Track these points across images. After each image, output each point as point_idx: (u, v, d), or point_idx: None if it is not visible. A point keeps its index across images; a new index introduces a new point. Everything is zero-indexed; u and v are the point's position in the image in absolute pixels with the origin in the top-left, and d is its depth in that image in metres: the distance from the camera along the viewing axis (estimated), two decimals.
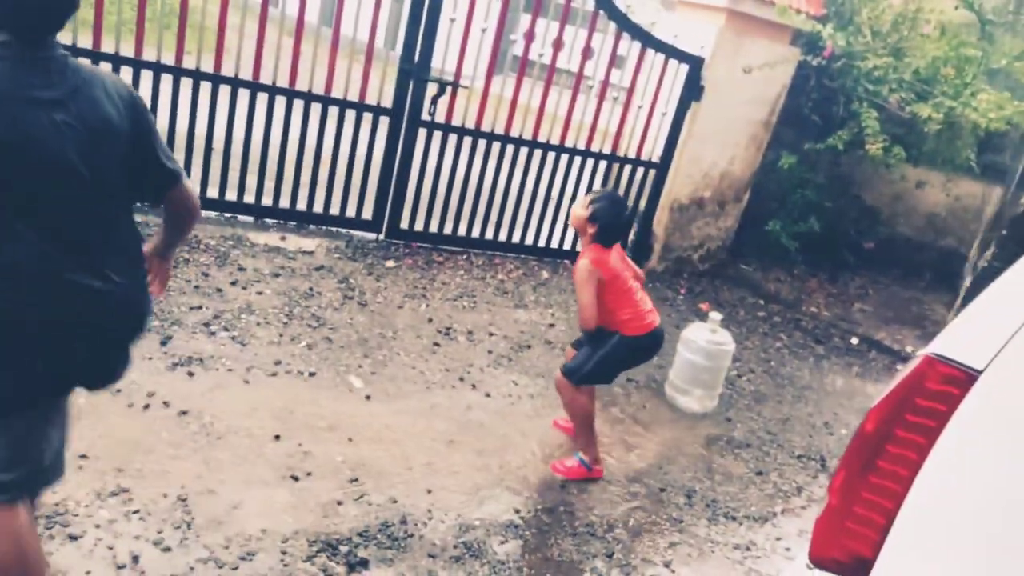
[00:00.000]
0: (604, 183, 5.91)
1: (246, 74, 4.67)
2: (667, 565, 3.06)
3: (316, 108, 4.87)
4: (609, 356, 3.32)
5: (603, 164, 5.79)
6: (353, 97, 4.92)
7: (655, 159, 5.82)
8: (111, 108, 1.80)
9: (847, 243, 6.61)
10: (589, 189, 5.75)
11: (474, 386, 3.91)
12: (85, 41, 4.34)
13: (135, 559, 2.40)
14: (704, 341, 4.14)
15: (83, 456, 2.73)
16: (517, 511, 3.11)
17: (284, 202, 5.04)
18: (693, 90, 5.63)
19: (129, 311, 1.93)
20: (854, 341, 5.82)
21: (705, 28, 5.60)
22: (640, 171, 5.83)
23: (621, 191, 5.84)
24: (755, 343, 5.37)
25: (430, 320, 4.43)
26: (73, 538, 2.42)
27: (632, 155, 5.78)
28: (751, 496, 3.67)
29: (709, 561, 3.15)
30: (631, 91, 5.63)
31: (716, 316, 4.19)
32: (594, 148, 5.64)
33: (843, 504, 1.55)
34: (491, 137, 5.31)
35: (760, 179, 6.16)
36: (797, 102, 6.04)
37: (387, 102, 4.94)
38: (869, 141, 5.58)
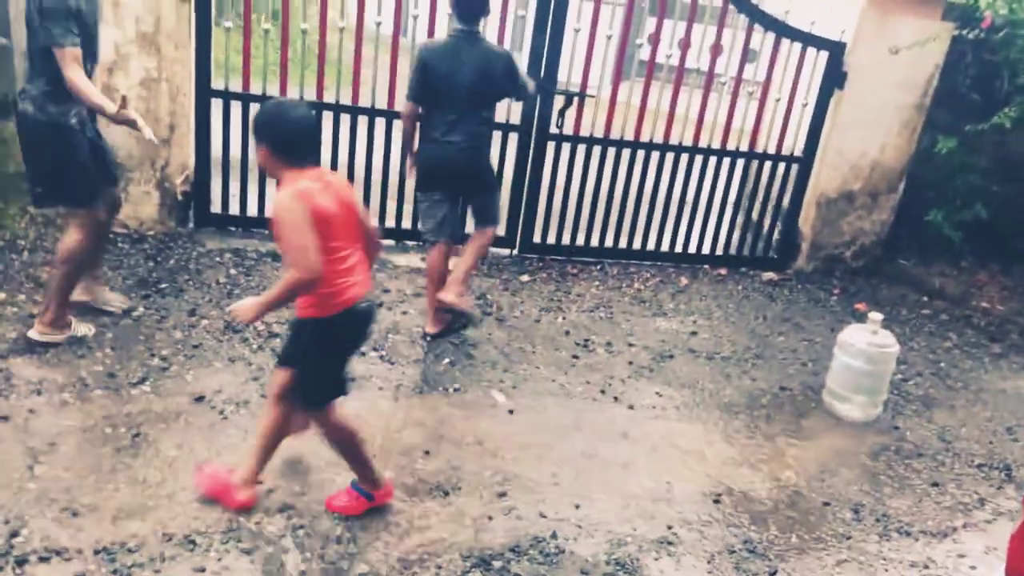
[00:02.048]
0: (743, 181, 5.68)
1: (382, 103, 4.86)
2: None
3: None
4: (313, 356, 2.56)
5: (740, 162, 5.57)
6: None
7: (797, 153, 5.53)
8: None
9: (1020, 230, 5.99)
10: (727, 189, 5.55)
11: (616, 398, 3.84)
12: (236, 85, 4.67)
13: (302, 574, 2.51)
14: (865, 344, 3.86)
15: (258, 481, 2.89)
16: (670, 527, 3.01)
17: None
18: (835, 78, 5.32)
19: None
20: None
21: (845, 11, 5.28)
22: (781, 167, 5.56)
23: (762, 188, 5.60)
24: (921, 344, 4.97)
25: (567, 333, 4.40)
26: (246, 552, 2.56)
27: (772, 151, 5.52)
28: (927, 509, 3.37)
29: None
30: (767, 84, 5.39)
31: (876, 316, 3.90)
32: (730, 146, 5.44)
33: None
34: (620, 144, 5.24)
35: (915, 167, 5.71)
36: (953, 81, 5.56)
37: (515, 119, 4.97)
38: None
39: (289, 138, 2.42)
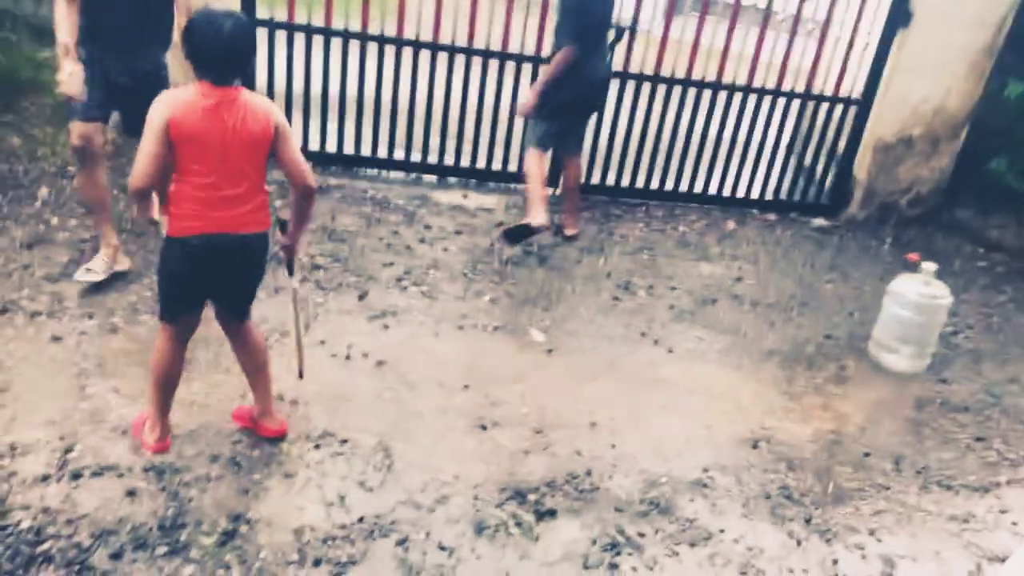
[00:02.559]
0: (797, 124, 5.49)
1: (426, 35, 4.77)
2: (872, 533, 2.84)
3: (494, 65, 4.89)
4: (162, 269, 2.45)
5: (795, 104, 5.37)
6: (529, 52, 4.88)
7: (856, 95, 5.31)
8: None
9: None
10: (780, 132, 5.37)
11: (656, 341, 3.81)
12: (281, 15, 4.61)
13: (342, 498, 2.58)
14: (916, 295, 3.75)
15: (294, 402, 2.96)
16: (706, 470, 3.01)
17: (465, 161, 5.13)
18: (900, 16, 5.05)
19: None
20: None
21: None
22: (838, 109, 5.35)
23: (816, 131, 5.40)
24: (974, 297, 4.81)
25: (609, 275, 4.36)
26: (288, 476, 2.63)
27: (829, 92, 5.31)
28: (970, 464, 3.31)
29: (920, 532, 2.89)
30: (827, 22, 5.15)
31: (930, 267, 3.78)
32: (785, 87, 5.24)
33: None
34: (670, 82, 5.08)
35: (981, 112, 5.45)
36: None
37: None
38: None
39: (194, 51, 2.27)
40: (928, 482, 3.16)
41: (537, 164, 4.41)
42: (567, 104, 4.32)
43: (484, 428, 3.02)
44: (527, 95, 4.39)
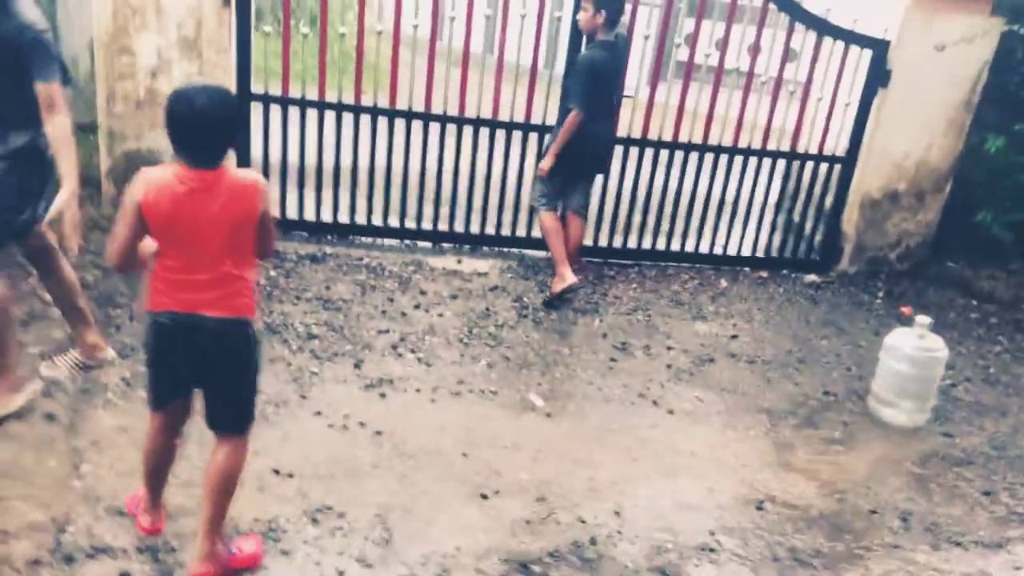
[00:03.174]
0: (784, 182, 5.58)
1: (419, 106, 4.87)
2: None
3: (484, 133, 4.98)
4: (144, 346, 2.36)
5: (781, 163, 5.48)
6: (519, 119, 4.99)
7: (840, 153, 5.42)
8: None
9: None
10: (767, 190, 5.47)
11: (655, 402, 3.79)
12: (275, 88, 4.71)
13: (340, 574, 2.51)
14: (911, 348, 3.76)
15: (290, 475, 2.91)
16: (712, 533, 2.95)
17: (459, 226, 5.18)
18: (879, 76, 5.20)
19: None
20: None
21: (888, 8, 5.16)
22: (823, 167, 5.46)
23: (803, 189, 5.50)
24: (970, 348, 4.82)
25: (605, 335, 4.36)
26: (285, 553, 2.57)
27: (813, 151, 5.42)
28: (979, 520, 3.27)
29: None
30: (808, 84, 5.30)
31: (924, 320, 3.80)
32: (770, 147, 5.36)
33: None
34: (658, 145, 5.18)
35: (963, 166, 5.56)
36: (1002, 79, 5.40)
37: (551, 120, 4.95)
38: None
39: (169, 130, 2.10)
40: (939, 539, 3.11)
41: (552, 222, 4.56)
42: (567, 162, 4.46)
43: (485, 497, 2.97)
44: (544, 161, 4.51)
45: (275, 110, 4.74)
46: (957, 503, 3.35)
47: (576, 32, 4.72)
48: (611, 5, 4.26)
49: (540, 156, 4.73)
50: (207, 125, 2.09)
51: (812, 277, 5.55)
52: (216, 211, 2.14)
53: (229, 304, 2.23)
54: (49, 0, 5.82)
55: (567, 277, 4.46)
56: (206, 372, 2.30)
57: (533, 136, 5.00)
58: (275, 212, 2.30)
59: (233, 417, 2.36)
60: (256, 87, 4.71)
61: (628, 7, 4.68)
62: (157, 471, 2.48)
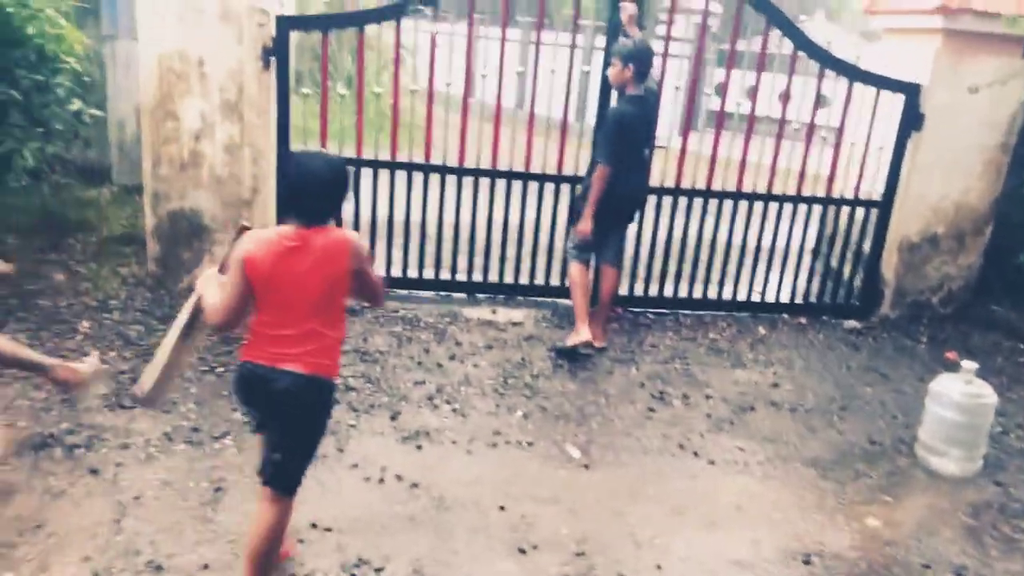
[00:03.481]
0: (820, 227, 5.54)
1: (453, 161, 4.97)
2: None
3: (517, 185, 5.05)
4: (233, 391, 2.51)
5: (817, 208, 5.45)
6: (551, 171, 5.05)
7: (876, 197, 5.38)
8: None
9: None
10: (803, 236, 5.43)
11: (696, 453, 3.72)
12: (313, 147, 4.84)
13: None
14: (959, 394, 3.65)
15: (328, 529, 2.90)
16: None
17: (493, 277, 5.22)
18: (912, 120, 5.18)
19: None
20: None
21: (918, 53, 5.17)
22: (860, 211, 5.41)
23: (840, 234, 5.45)
24: (1020, 394, 4.67)
25: (642, 385, 4.32)
26: None
27: (848, 195, 5.39)
28: None
29: None
30: (841, 129, 5.29)
31: (970, 365, 3.70)
32: (805, 192, 5.34)
33: None
34: (692, 193, 5.20)
35: (1004, 207, 5.47)
36: None
37: (582, 171, 5.00)
38: None
39: (286, 191, 2.37)
40: None
41: (580, 275, 4.54)
42: (600, 215, 4.42)
43: (523, 551, 2.92)
44: (581, 224, 4.42)
45: None
46: (1015, 557, 3.20)
47: (606, 85, 4.79)
48: (639, 59, 4.31)
49: (572, 205, 4.77)
50: (320, 189, 2.29)
51: (852, 323, 5.45)
52: (308, 267, 2.27)
53: (311, 361, 2.32)
54: (99, 68, 6.10)
55: (582, 333, 4.43)
56: (275, 423, 2.39)
57: (565, 187, 5.05)
58: (372, 266, 2.45)
59: (286, 474, 2.41)
60: (295, 147, 4.86)
61: (657, 60, 4.76)
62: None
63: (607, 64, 4.55)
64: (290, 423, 2.37)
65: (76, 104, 4.95)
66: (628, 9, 4.51)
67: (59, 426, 3.36)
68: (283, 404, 2.33)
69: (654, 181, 5.10)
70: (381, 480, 3.24)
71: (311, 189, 2.29)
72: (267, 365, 2.31)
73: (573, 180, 5.02)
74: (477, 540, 2.95)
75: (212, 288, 2.36)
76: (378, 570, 2.73)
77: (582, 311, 4.50)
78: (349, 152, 4.86)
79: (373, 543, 2.86)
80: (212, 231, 4.72)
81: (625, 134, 4.34)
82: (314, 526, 2.88)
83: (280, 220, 2.28)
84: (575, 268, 4.58)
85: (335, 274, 2.31)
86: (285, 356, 2.30)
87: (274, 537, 2.40)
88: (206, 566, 2.65)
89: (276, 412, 2.36)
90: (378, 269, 5.10)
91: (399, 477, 3.26)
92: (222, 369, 3.95)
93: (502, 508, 3.15)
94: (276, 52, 4.57)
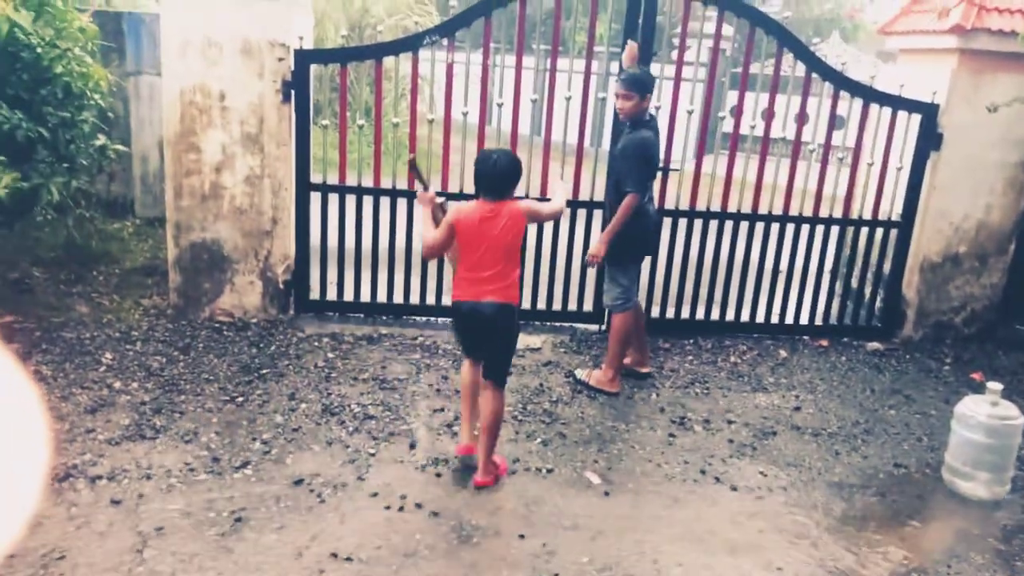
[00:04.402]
0: (839, 248, 5.51)
1: (469, 189, 4.99)
2: None
3: None
4: (452, 323, 3.54)
5: (835, 229, 5.42)
6: (569, 198, 5.07)
7: (895, 217, 5.35)
8: None
9: None
10: (822, 257, 5.39)
11: (718, 479, 3.68)
12: (333, 178, 4.91)
13: None
14: (985, 416, 3.59)
15: (348, 559, 2.89)
16: None
17: None
18: (930, 140, 5.16)
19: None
20: None
21: (935, 73, 5.16)
22: (879, 232, 5.38)
23: (860, 255, 5.41)
24: None
25: (662, 410, 4.29)
26: None
27: (867, 216, 5.36)
28: None
29: None
30: (858, 150, 5.28)
31: (995, 387, 3.64)
32: (822, 213, 5.31)
33: None
34: (707, 215, 5.20)
35: None
36: None
37: (598, 196, 5.02)
38: None
39: (475, 177, 3.30)
40: None
41: (626, 324, 4.40)
42: (639, 249, 4.40)
43: None
44: (596, 246, 4.30)
45: (333, 198, 4.92)
46: None
47: None
48: (652, 86, 4.32)
49: (589, 232, 4.75)
50: (503, 174, 3.26)
51: (875, 344, 5.40)
52: (499, 230, 3.25)
53: (502, 294, 3.30)
54: (123, 103, 6.24)
55: (609, 384, 4.41)
56: (484, 340, 3.38)
57: (581, 212, 5.07)
58: (540, 209, 3.55)
59: (498, 371, 3.41)
60: (315, 177, 4.92)
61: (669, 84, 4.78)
62: (470, 402, 3.49)
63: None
64: (495, 336, 3.35)
65: (101, 139, 5.07)
66: (632, 49, 4.54)
67: (82, 457, 3.39)
68: (489, 324, 3.30)
69: (670, 203, 5.11)
70: (401, 509, 3.23)
71: (497, 174, 3.23)
72: (473, 301, 3.30)
73: (590, 205, 5.03)
74: (497, 569, 2.93)
75: (428, 225, 3.37)
76: None
77: (617, 359, 4.42)
78: (367, 182, 4.91)
79: (394, 573, 2.85)
80: (232, 261, 4.78)
81: (653, 161, 4.28)
82: (335, 556, 2.88)
83: (474, 196, 3.32)
84: (622, 317, 4.39)
85: (515, 232, 3.27)
86: (485, 292, 3.28)
87: (498, 414, 3.40)
88: None
89: (486, 331, 3.33)
90: (396, 296, 5.13)
91: (419, 505, 3.25)
92: (242, 399, 3.97)
93: (522, 537, 3.13)
94: (295, 85, 4.66)
